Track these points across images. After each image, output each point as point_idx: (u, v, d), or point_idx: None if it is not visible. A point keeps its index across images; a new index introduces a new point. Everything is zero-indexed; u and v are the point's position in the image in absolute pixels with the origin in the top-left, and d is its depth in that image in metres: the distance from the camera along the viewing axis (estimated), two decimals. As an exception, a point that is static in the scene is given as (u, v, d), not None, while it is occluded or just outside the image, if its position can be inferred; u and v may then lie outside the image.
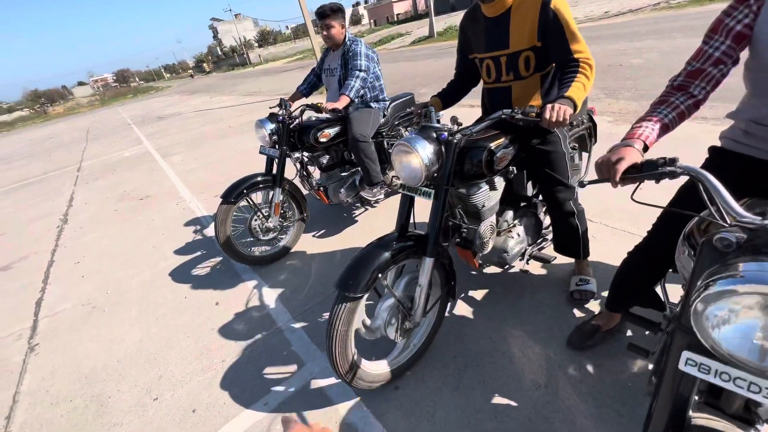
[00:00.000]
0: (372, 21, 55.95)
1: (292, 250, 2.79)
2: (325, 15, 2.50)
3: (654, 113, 1.00)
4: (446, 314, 1.82)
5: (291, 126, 2.56)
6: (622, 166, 0.87)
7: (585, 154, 2.11)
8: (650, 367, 1.38)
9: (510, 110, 1.34)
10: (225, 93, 18.52)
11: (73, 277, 3.22)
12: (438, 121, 1.94)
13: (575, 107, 1.31)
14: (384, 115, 2.86)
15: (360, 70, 2.55)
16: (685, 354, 0.66)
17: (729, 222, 0.67)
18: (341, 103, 2.47)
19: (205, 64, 63.94)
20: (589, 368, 1.50)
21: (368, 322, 1.48)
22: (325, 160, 2.87)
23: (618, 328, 1.58)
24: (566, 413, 1.37)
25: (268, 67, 37.56)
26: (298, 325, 2.09)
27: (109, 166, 7.44)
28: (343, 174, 2.92)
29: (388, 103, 2.89)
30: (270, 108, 2.74)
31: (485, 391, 1.51)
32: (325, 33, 2.58)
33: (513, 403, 1.44)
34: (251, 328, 2.14)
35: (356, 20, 63.79)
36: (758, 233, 0.60)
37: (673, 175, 0.78)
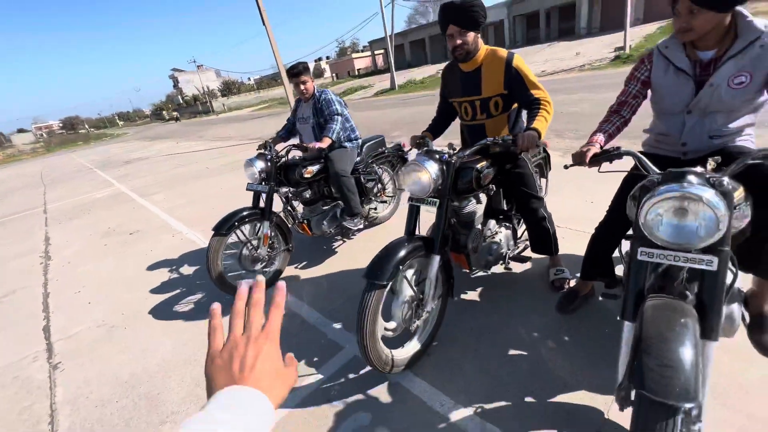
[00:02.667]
0: (334, 75, 59.45)
1: (281, 278, 2.95)
2: (299, 73, 2.92)
3: (602, 128, 1.57)
4: (454, 304, 2.21)
5: (278, 164, 2.87)
6: (589, 154, 1.39)
7: (543, 180, 2.66)
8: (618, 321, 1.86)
9: (492, 139, 1.85)
10: (192, 139, 18.61)
11: (77, 305, 3.24)
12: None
13: (540, 135, 1.85)
14: (359, 153, 3.29)
15: (338, 115, 2.98)
16: (641, 249, 1.14)
17: (651, 173, 1.18)
18: (324, 143, 2.85)
19: (164, 112, 63.54)
20: (576, 323, 1.96)
21: (390, 325, 1.74)
22: (307, 194, 3.12)
23: (591, 293, 2.07)
24: (564, 354, 1.79)
25: (232, 115, 38.19)
26: (320, 329, 2.38)
27: (81, 207, 7.27)
28: (324, 208, 3.20)
29: (360, 141, 3.31)
30: (257, 149, 2.98)
31: (498, 349, 1.90)
32: (301, 87, 2.97)
33: (523, 353, 1.84)
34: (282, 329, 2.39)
35: (318, 74, 67.46)
36: (664, 177, 1.11)
37: (619, 156, 1.30)
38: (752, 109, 1.40)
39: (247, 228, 2.76)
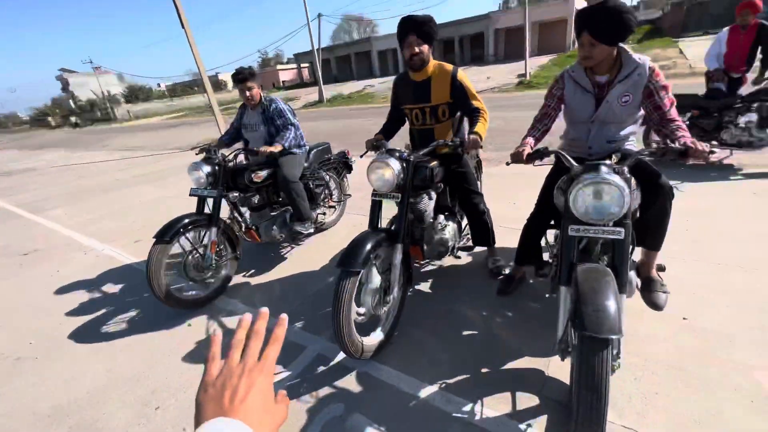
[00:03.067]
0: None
1: (230, 286, 2.84)
2: (246, 79, 2.87)
3: (531, 133, 1.90)
4: (411, 297, 2.38)
5: (227, 168, 2.75)
6: (525, 152, 1.68)
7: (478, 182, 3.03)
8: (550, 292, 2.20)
9: (443, 141, 2.10)
10: (91, 149, 16.35)
11: (-38, 339, 2.68)
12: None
13: (481, 138, 2.15)
14: (306, 159, 3.33)
15: (291, 124, 3.02)
16: (571, 227, 1.42)
17: (574, 166, 1.49)
18: (276, 148, 2.82)
19: (50, 118, 54.47)
20: (515, 302, 2.26)
21: (361, 310, 1.84)
22: (255, 200, 3.04)
23: (524, 277, 2.40)
24: (508, 328, 2.06)
25: (139, 123, 34.36)
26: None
27: (-54, 227, 5.93)
28: (272, 214, 3.16)
29: (307, 148, 3.36)
30: (199, 153, 2.86)
31: (454, 330, 2.10)
32: (247, 94, 2.90)
33: (474, 332, 2.07)
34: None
35: (240, 83, 64.41)
36: (584, 169, 1.42)
37: (547, 154, 1.60)
38: (634, 120, 1.83)
39: (190, 235, 2.59)
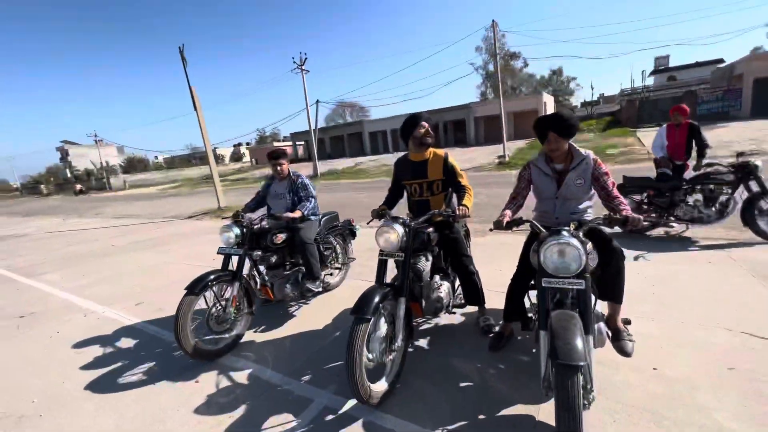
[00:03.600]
0: (254, 159, 60.31)
1: (242, 342, 3.00)
2: (279, 157, 3.49)
3: (508, 206, 2.33)
4: (410, 350, 2.58)
5: (253, 231, 3.15)
6: (505, 221, 2.08)
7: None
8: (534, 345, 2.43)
9: (438, 210, 2.53)
10: (86, 216, 16.54)
11: (-42, 399, 2.66)
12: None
13: (469, 209, 2.58)
14: (319, 225, 3.78)
15: (312, 197, 3.56)
16: (544, 279, 1.75)
17: (546, 235, 1.88)
18: (296, 214, 3.32)
19: (43, 186, 55.14)
20: (505, 355, 2.47)
21: (370, 355, 2.06)
22: (273, 259, 3.34)
23: (512, 333, 2.64)
24: (501, 378, 2.25)
25: (134, 192, 35.08)
26: (285, 387, 2.48)
27: (-67, 291, 5.85)
28: (285, 273, 3.48)
29: (320, 215, 3.85)
30: (223, 218, 3.35)
31: (451, 381, 2.28)
32: (278, 169, 3.49)
33: (470, 383, 2.25)
34: (246, 391, 2.41)
35: (237, 158, 67.75)
36: (549, 233, 1.81)
37: (522, 222, 2.00)
38: (589, 197, 2.30)
39: (215, 290, 2.83)
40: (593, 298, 1.82)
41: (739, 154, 4.51)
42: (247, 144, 74.71)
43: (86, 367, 2.93)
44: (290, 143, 51.36)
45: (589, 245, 1.86)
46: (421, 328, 2.99)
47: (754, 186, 4.28)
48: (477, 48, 38.93)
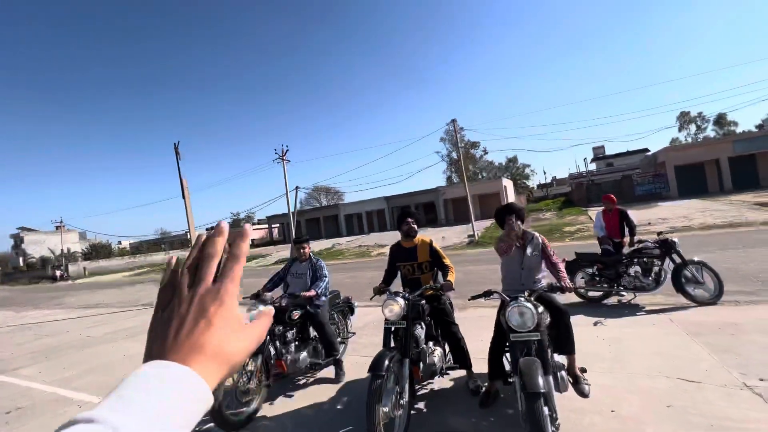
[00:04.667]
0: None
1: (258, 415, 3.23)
2: (304, 242, 4.20)
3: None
4: (413, 413, 2.95)
5: (276, 307, 3.68)
6: (481, 293, 2.72)
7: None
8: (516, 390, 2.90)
9: (429, 285, 3.16)
10: (45, 307, 15.58)
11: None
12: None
13: (452, 284, 3.22)
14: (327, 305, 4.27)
15: (326, 277, 4.10)
16: (512, 335, 2.34)
17: (508, 301, 2.53)
18: (311, 293, 3.84)
19: (-11, 276, 50.95)
20: (494, 409, 2.89)
21: (385, 408, 2.47)
22: (289, 335, 3.80)
23: (498, 389, 3.10)
24: (491, 428, 2.65)
25: (96, 280, 33.21)
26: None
27: None
28: (298, 350, 3.81)
29: (328, 294, 4.34)
30: (250, 297, 3.79)
31: (451, 436, 2.65)
32: (302, 251, 4.15)
33: (467, 434, 2.63)
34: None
35: (209, 241, 66.69)
36: (510, 299, 2.46)
37: (491, 293, 2.66)
38: (542, 267, 3.03)
39: None
40: (549, 351, 2.43)
41: (659, 233, 5.59)
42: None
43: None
44: (265, 226, 51.73)
45: (541, 308, 2.53)
46: (419, 393, 3.37)
47: (677, 258, 5.26)
48: (441, 138, 43.75)
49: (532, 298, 2.46)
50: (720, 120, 47.72)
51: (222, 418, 2.86)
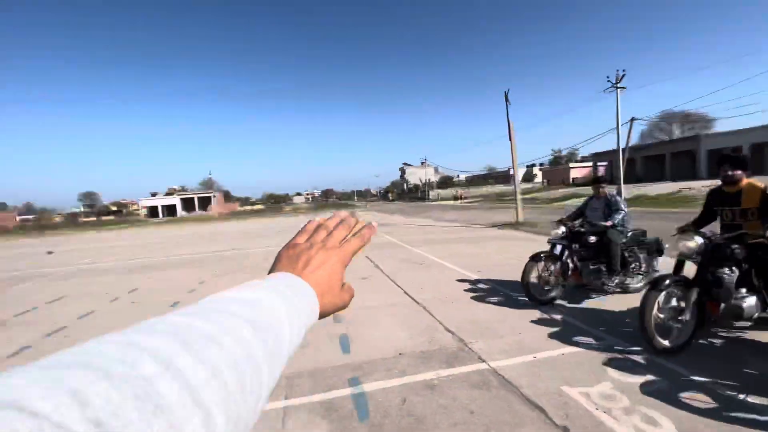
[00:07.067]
0: (545, 181, 60.63)
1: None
2: (600, 182, 4.75)
3: None
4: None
5: (573, 231, 4.55)
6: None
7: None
8: None
9: (749, 232, 2.95)
10: (419, 216, 23.39)
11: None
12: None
13: None
14: (626, 237, 4.59)
15: (623, 210, 4.50)
16: None
17: None
18: (608, 223, 4.42)
19: (390, 194, 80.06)
20: None
21: (660, 315, 2.98)
22: (584, 253, 4.57)
23: None
24: None
25: (440, 202, 44.71)
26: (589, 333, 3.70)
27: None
28: (591, 267, 4.55)
29: (628, 229, 4.63)
30: (558, 221, 4.78)
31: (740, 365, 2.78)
32: (599, 191, 4.73)
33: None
34: (559, 328, 3.85)
35: (529, 178, 70.45)
36: None
37: None
38: None
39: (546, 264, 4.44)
40: None
41: None
42: (541, 165, 75.74)
43: (461, 291, 5.33)
44: (590, 164, 47.93)
45: None
46: (723, 334, 3.36)
47: None
48: None
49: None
50: None
51: (530, 295, 4.31)
